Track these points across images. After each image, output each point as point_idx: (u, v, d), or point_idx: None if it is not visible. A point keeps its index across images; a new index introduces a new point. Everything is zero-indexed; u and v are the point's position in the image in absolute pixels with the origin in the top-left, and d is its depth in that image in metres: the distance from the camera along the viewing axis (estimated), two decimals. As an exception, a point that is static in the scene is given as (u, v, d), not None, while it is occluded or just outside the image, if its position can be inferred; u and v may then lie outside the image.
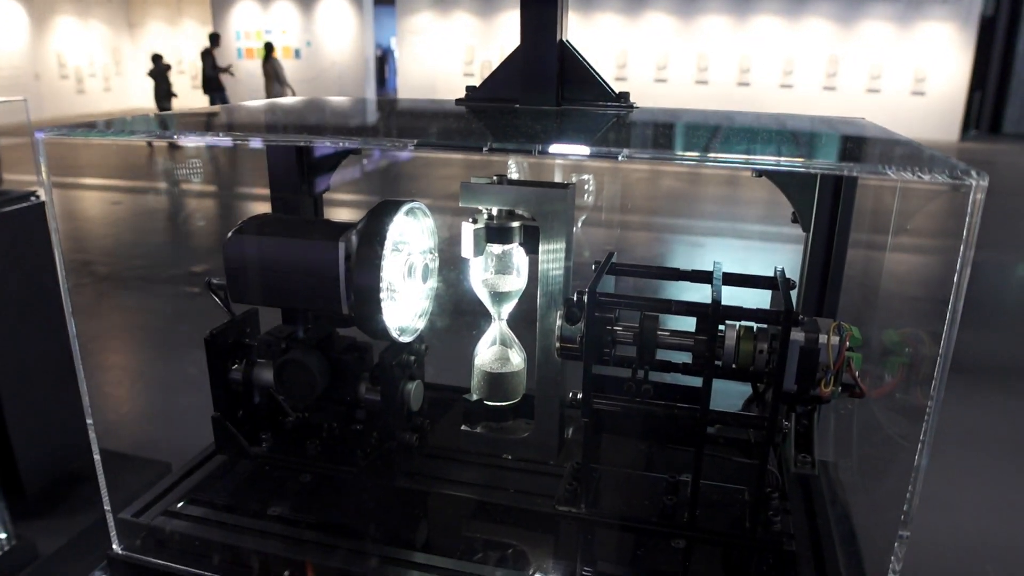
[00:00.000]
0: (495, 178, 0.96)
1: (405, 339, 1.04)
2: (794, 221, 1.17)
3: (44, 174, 0.93)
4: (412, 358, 1.06)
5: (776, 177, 1.13)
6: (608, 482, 1.08)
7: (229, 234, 1.05)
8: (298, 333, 1.10)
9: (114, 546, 1.04)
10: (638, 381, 1.01)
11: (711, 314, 0.89)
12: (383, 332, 1.00)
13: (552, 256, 0.97)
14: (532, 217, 0.98)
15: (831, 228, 1.13)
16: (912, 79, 12.46)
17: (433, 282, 1.09)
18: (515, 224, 0.98)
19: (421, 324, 1.08)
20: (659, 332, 0.97)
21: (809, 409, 1.20)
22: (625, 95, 1.13)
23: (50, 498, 2.22)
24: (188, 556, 1.01)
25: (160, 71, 10.42)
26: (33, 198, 2.04)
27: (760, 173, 1.13)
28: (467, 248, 0.98)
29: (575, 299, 0.94)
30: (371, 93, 13.56)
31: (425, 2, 14.29)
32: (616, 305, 0.93)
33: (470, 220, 0.97)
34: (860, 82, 12.72)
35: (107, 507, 1.04)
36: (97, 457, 1.04)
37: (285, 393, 1.08)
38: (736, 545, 0.98)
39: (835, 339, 0.92)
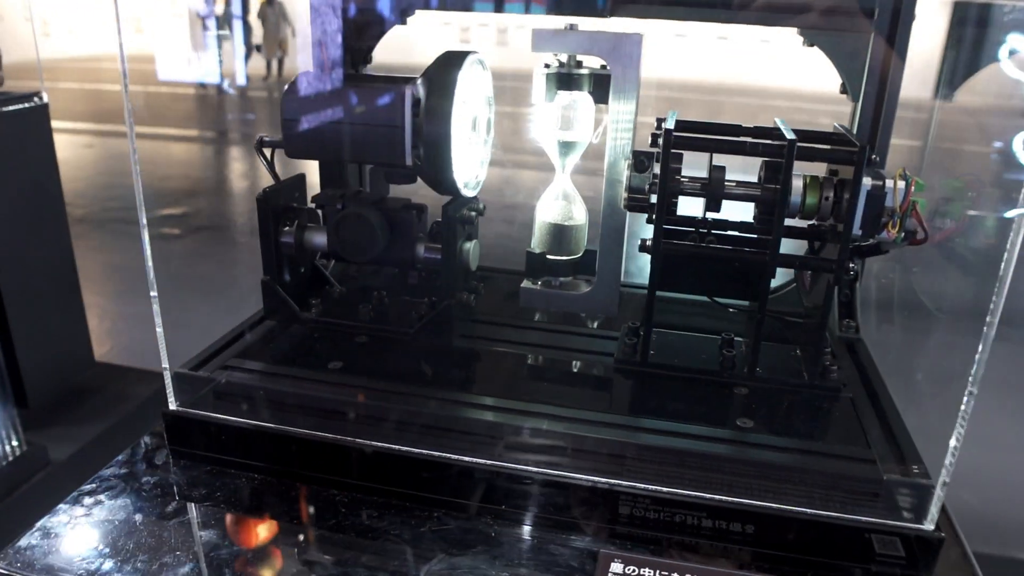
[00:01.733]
0: (568, 26, 0.96)
1: (468, 193, 1.04)
2: (843, 92, 1.18)
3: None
4: (473, 214, 1.06)
5: (828, 46, 1.14)
6: (663, 342, 1.10)
7: (287, 85, 1.03)
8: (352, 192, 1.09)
9: (171, 403, 1.03)
10: (701, 233, 1.02)
11: (787, 153, 0.90)
12: (451, 184, 0.99)
13: (622, 105, 0.96)
14: (602, 67, 0.98)
15: (879, 96, 1.14)
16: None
17: (491, 136, 1.08)
18: (585, 71, 0.98)
19: (482, 176, 1.08)
20: (726, 181, 0.98)
21: (851, 280, 1.23)
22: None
23: (55, 411, 2.19)
24: (249, 409, 1.00)
25: None
26: (36, 99, 1.98)
27: (812, 42, 1.14)
28: (538, 93, 0.97)
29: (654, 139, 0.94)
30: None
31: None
32: (690, 146, 0.94)
33: (543, 66, 0.97)
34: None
35: (165, 365, 1.03)
36: (156, 308, 1.02)
37: (344, 250, 1.07)
38: (798, 391, 1.00)
39: (901, 184, 0.93)
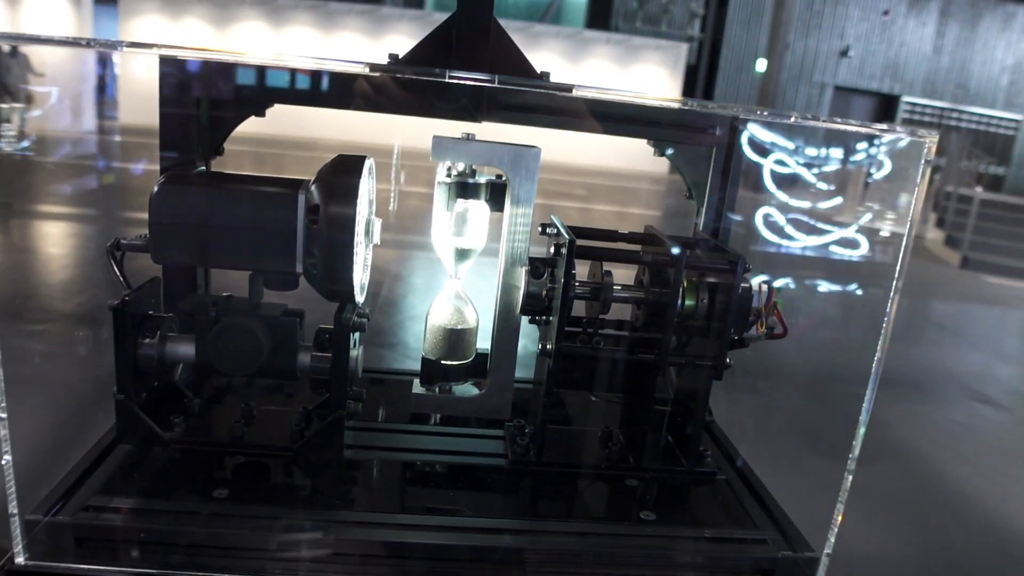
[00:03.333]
0: (465, 135, 0.97)
1: (360, 299, 1.00)
2: (688, 197, 1.31)
3: None
4: (364, 320, 1.02)
5: (676, 157, 1.26)
6: (548, 437, 1.12)
7: (157, 186, 0.94)
8: (227, 299, 1.01)
9: (18, 557, 0.86)
10: (589, 333, 1.06)
11: (676, 265, 0.98)
12: (348, 291, 0.95)
13: (519, 213, 0.99)
14: (499, 176, 1.00)
15: (720, 200, 1.28)
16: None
17: (376, 240, 1.06)
18: (483, 180, 1.00)
19: (366, 281, 1.05)
20: (614, 286, 1.04)
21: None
22: (547, 73, 1.19)
23: None
24: (122, 555, 0.87)
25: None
26: None
27: (663, 152, 1.26)
28: (438, 203, 0.97)
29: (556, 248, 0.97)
30: (89, 96, 12.14)
31: (152, 5, 13.24)
32: (592, 256, 0.99)
33: (445, 175, 0.97)
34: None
35: (14, 511, 0.86)
36: (4, 432, 0.86)
37: (222, 363, 0.98)
38: (680, 479, 1.07)
39: (765, 287, 1.05)
